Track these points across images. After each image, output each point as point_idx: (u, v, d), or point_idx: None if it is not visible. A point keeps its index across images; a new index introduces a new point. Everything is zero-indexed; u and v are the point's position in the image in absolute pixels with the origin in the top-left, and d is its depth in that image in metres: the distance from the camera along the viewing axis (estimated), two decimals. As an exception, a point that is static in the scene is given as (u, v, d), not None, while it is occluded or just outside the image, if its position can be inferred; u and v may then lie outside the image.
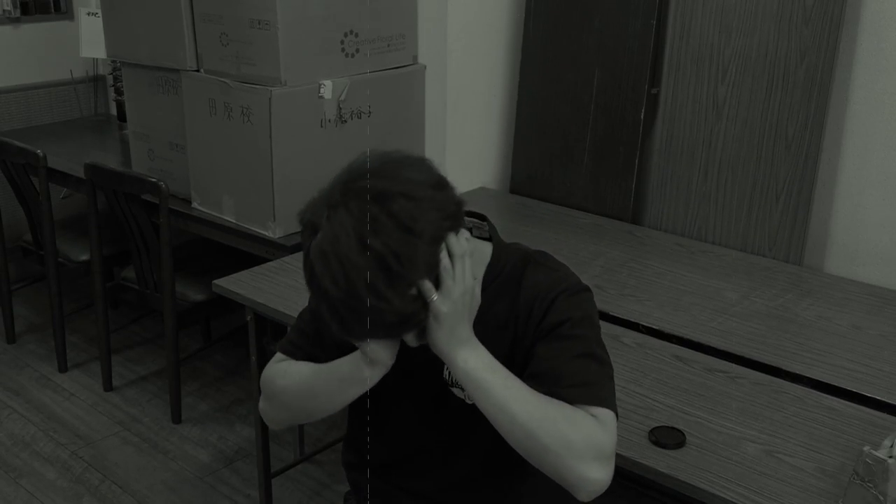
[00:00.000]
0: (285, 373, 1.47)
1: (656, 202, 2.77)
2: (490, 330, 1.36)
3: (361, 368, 1.32)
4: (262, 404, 1.53)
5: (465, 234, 1.29)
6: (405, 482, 1.56)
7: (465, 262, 1.26)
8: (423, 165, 1.27)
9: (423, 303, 1.23)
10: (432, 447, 1.51)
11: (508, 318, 1.39)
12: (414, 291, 1.21)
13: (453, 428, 1.47)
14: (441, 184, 1.26)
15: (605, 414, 1.27)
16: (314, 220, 1.22)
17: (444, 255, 1.24)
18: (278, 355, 1.53)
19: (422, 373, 1.44)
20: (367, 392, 1.52)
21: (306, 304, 1.50)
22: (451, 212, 1.25)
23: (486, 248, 1.43)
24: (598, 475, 1.22)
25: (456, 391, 1.44)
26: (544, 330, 1.35)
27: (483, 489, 1.49)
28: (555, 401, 1.27)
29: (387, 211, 1.18)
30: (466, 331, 1.29)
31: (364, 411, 1.58)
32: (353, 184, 1.21)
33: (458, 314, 1.26)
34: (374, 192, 1.19)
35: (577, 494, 1.25)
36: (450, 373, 1.44)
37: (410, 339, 1.29)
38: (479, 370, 1.27)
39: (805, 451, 1.59)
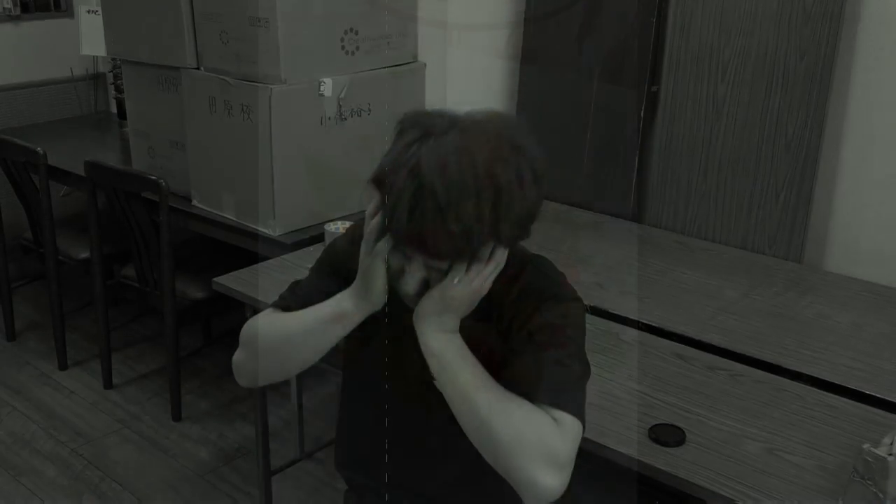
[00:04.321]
0: (267, 318, 1.47)
1: (656, 200, 2.77)
2: (477, 324, 1.37)
3: (347, 305, 1.34)
4: (236, 355, 1.50)
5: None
6: (403, 481, 1.56)
7: (495, 271, 1.29)
8: (544, 159, 1.28)
9: (475, 254, 1.24)
10: (426, 444, 1.51)
11: (494, 316, 1.40)
12: (486, 237, 1.22)
13: (446, 423, 1.47)
14: (545, 184, 1.27)
15: (568, 420, 1.25)
16: (428, 126, 1.21)
17: (499, 252, 1.28)
18: (267, 310, 1.52)
19: (411, 364, 1.44)
20: (355, 385, 1.53)
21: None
22: (539, 204, 1.26)
23: None
24: (547, 481, 1.18)
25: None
26: (527, 332, 1.35)
27: (482, 486, 1.50)
28: (518, 398, 1.26)
29: (518, 163, 1.20)
30: (452, 322, 1.30)
31: (351, 405, 1.58)
32: (491, 123, 1.24)
33: (457, 305, 1.28)
34: (514, 142, 1.22)
35: (524, 497, 1.22)
36: None
37: (412, 296, 1.30)
38: (449, 352, 1.29)
39: (805, 449, 1.59)
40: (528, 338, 1.34)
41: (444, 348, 1.29)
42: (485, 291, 1.30)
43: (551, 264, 1.45)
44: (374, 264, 1.30)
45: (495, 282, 1.35)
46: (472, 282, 1.27)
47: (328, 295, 1.39)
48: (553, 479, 1.19)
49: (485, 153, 1.18)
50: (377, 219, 1.27)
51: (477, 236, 1.20)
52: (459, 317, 1.31)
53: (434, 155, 1.17)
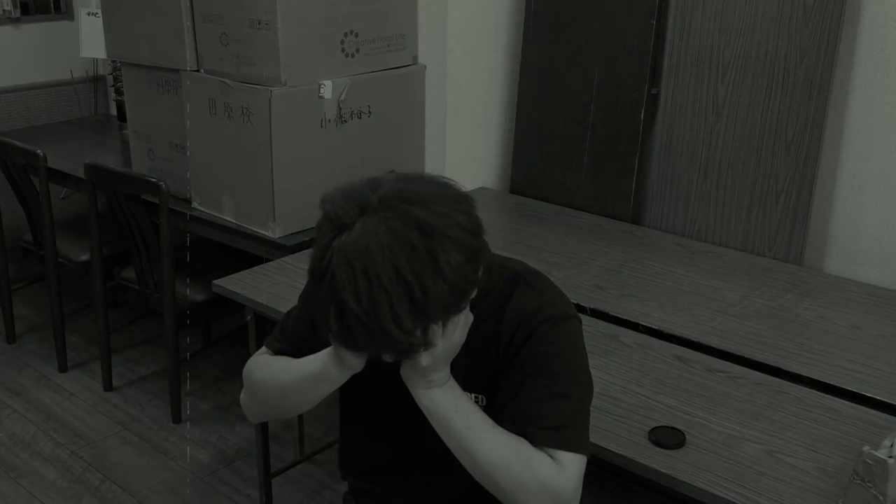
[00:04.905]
0: (263, 365, 1.49)
1: (656, 202, 2.77)
2: (473, 354, 1.37)
3: (330, 368, 1.33)
4: (242, 396, 1.54)
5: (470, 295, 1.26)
6: (408, 491, 1.55)
7: (463, 329, 1.28)
8: (466, 205, 1.22)
9: (425, 342, 1.21)
10: (430, 453, 1.50)
11: (490, 343, 1.38)
12: (422, 330, 1.19)
13: (438, 443, 1.47)
14: (478, 231, 1.22)
15: (569, 459, 1.27)
16: (342, 218, 1.16)
17: (456, 316, 1.25)
18: (262, 349, 1.54)
19: (403, 383, 1.44)
20: (358, 397, 1.53)
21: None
22: (478, 264, 1.22)
23: None
24: None
25: None
26: (520, 362, 1.34)
27: (488, 497, 1.49)
28: (515, 443, 1.27)
29: (427, 245, 1.14)
30: (440, 375, 1.30)
31: (356, 417, 1.58)
32: (394, 198, 1.16)
33: (436, 366, 1.28)
34: (418, 221, 1.15)
35: None
36: None
37: (389, 362, 1.29)
38: (441, 408, 1.29)
39: (805, 451, 1.59)
40: (522, 367, 1.33)
41: (434, 404, 1.30)
42: (463, 339, 1.29)
43: (543, 279, 1.43)
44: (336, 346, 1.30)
45: (489, 308, 1.35)
46: (439, 348, 1.25)
47: (314, 325, 1.39)
48: None
49: (387, 251, 1.13)
50: None
51: (407, 337, 1.17)
52: (445, 369, 1.30)
53: (344, 267, 1.14)
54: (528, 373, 1.32)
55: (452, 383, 1.31)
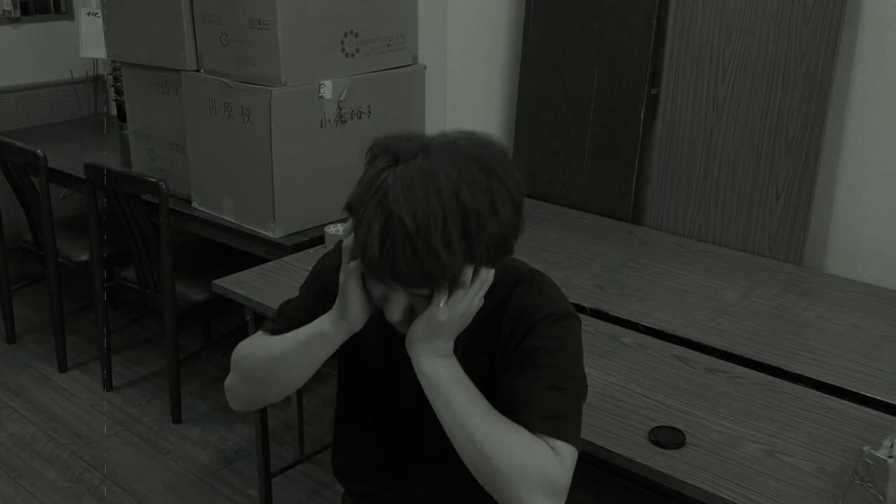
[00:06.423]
0: (256, 341, 1.47)
1: (656, 202, 2.77)
2: (472, 348, 1.37)
3: (326, 327, 1.32)
4: (227, 379, 1.49)
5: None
6: (402, 490, 1.55)
7: (482, 289, 1.28)
8: (519, 177, 1.26)
9: (459, 279, 1.22)
10: (426, 451, 1.50)
11: (489, 339, 1.38)
12: (459, 263, 1.19)
13: (435, 437, 1.46)
14: (522, 202, 1.25)
15: (565, 448, 1.26)
16: (403, 151, 1.18)
17: (483, 271, 1.25)
18: (258, 332, 1.52)
19: (403, 376, 1.43)
20: (359, 389, 1.52)
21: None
22: (516, 231, 1.24)
23: None
24: None
25: None
26: (519, 356, 1.34)
27: (482, 496, 1.49)
28: (516, 426, 1.26)
29: (487, 185, 1.17)
30: (445, 345, 1.29)
31: (354, 411, 1.58)
32: (459, 137, 1.22)
33: (447, 328, 1.26)
34: (483, 161, 1.19)
35: None
36: None
37: (399, 322, 1.29)
38: (444, 378, 1.27)
39: (805, 451, 1.59)
40: (522, 361, 1.33)
41: (438, 373, 1.27)
42: (474, 310, 1.29)
43: (545, 279, 1.43)
44: (349, 284, 1.29)
45: (489, 305, 1.34)
46: (458, 304, 1.25)
47: (314, 314, 1.38)
48: None
49: (452, 177, 1.16)
50: (350, 240, 1.26)
51: (450, 263, 1.17)
52: (451, 339, 1.29)
53: (401, 183, 1.15)
54: (527, 365, 1.32)
55: (455, 360, 1.30)
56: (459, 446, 1.26)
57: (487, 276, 1.28)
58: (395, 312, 1.27)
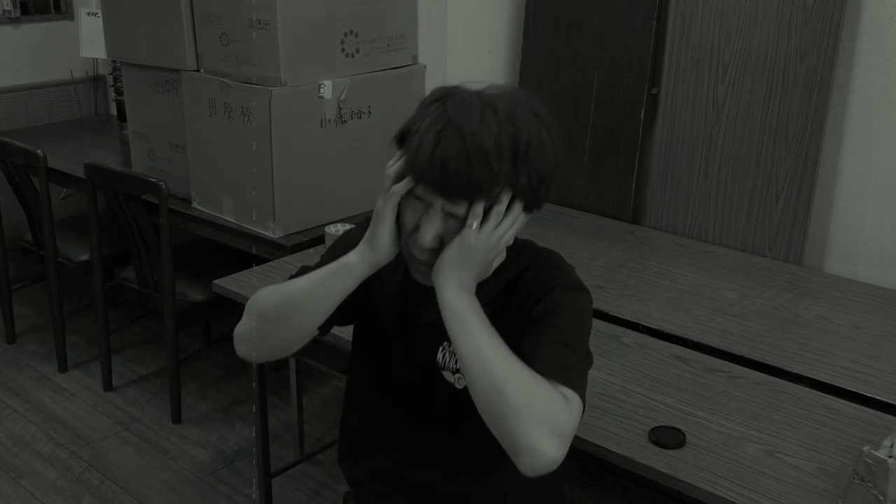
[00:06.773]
0: (270, 286, 1.48)
1: (656, 202, 2.77)
2: (486, 315, 1.37)
3: (350, 257, 1.35)
4: (238, 324, 1.47)
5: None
6: (402, 474, 1.56)
7: (514, 229, 1.31)
8: (562, 140, 1.33)
9: (496, 197, 1.27)
10: (425, 436, 1.51)
11: (504, 311, 1.41)
12: (503, 181, 1.25)
13: (444, 415, 1.48)
14: (563, 160, 1.33)
15: (574, 396, 1.26)
16: (451, 91, 1.28)
17: (517, 206, 1.30)
18: None
19: (417, 351, 1.45)
20: (373, 361, 1.51)
21: None
22: (550, 186, 1.31)
23: None
24: (548, 449, 1.18)
25: (446, 374, 1.45)
26: (533, 318, 1.36)
27: (480, 478, 1.49)
28: (530, 368, 1.26)
29: (537, 127, 1.26)
30: (470, 281, 1.31)
31: (359, 390, 1.58)
32: (516, 94, 1.30)
33: (473, 257, 1.29)
34: (536, 110, 1.28)
35: (520, 463, 1.20)
36: (443, 355, 1.44)
37: (428, 251, 1.31)
38: (467, 309, 1.28)
39: (805, 451, 1.59)
40: (536, 320, 1.35)
41: (463, 304, 1.28)
42: (501, 247, 1.32)
43: (561, 258, 1.47)
44: (386, 209, 1.31)
45: (505, 276, 1.38)
46: (490, 232, 1.28)
47: None
48: (555, 450, 1.19)
49: (508, 107, 1.25)
50: (396, 165, 1.30)
51: (497, 174, 1.23)
52: (475, 276, 1.31)
53: (460, 102, 1.24)
54: (540, 325, 1.34)
55: (477, 300, 1.31)
56: (473, 379, 1.25)
57: (518, 215, 1.31)
58: (427, 235, 1.29)
